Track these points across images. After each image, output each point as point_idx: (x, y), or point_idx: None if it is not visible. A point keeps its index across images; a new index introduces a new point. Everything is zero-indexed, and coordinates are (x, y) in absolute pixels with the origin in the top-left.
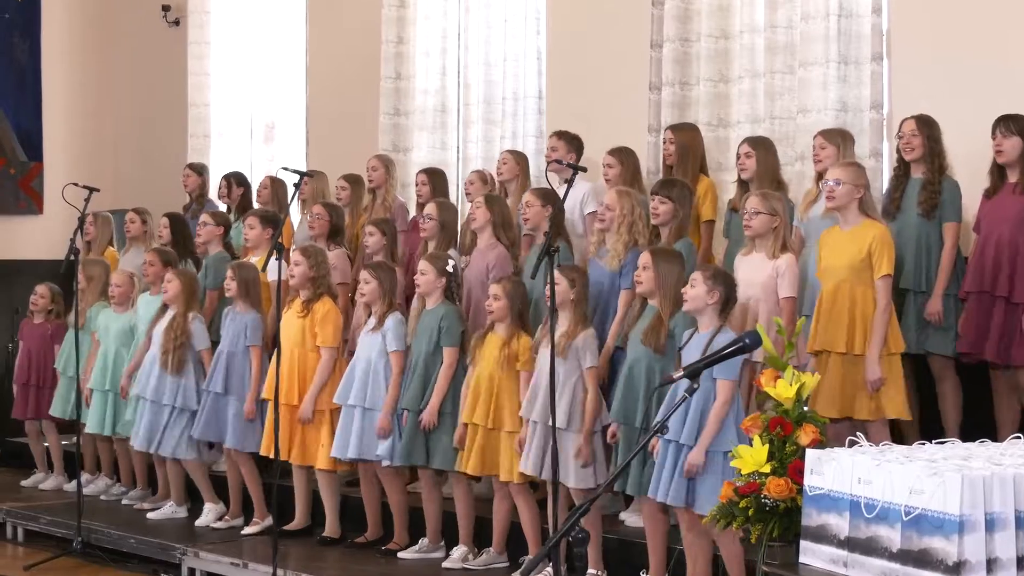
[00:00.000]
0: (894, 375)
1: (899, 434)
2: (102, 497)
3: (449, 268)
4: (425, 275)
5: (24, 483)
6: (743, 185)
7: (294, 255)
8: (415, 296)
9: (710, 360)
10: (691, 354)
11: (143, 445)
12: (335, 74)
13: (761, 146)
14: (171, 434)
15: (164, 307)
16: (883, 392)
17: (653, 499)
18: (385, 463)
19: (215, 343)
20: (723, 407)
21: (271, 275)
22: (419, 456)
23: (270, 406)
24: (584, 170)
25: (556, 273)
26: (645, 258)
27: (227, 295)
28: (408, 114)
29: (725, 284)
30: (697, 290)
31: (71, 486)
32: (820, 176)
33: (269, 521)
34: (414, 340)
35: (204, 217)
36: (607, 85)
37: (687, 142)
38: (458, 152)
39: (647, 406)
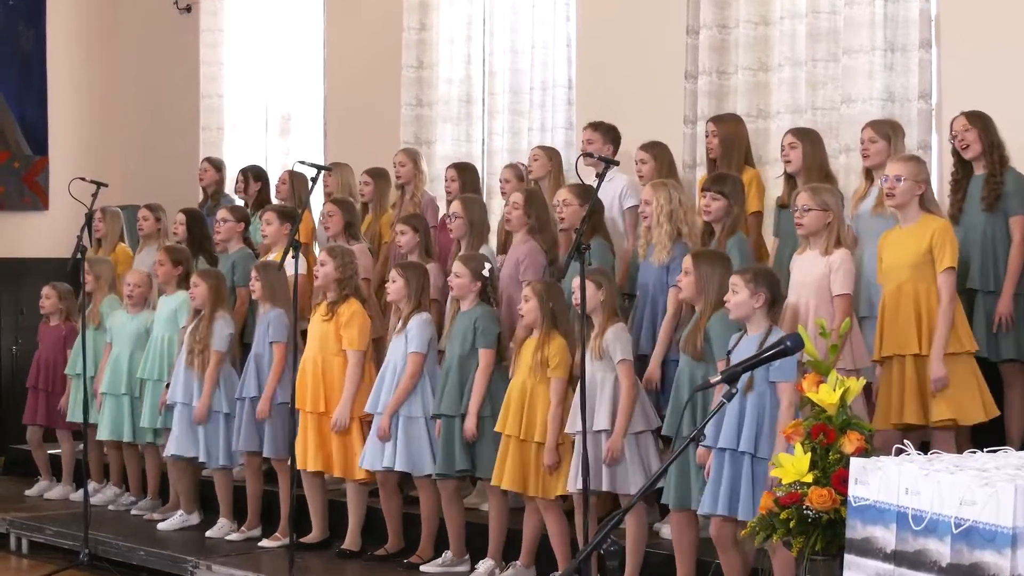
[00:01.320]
0: (966, 376)
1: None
2: (110, 507)
3: (484, 272)
4: (459, 278)
5: (28, 492)
6: (790, 180)
7: (320, 255)
8: (450, 298)
9: (748, 364)
10: (742, 358)
11: (180, 451)
12: (354, 62)
13: (807, 137)
14: (212, 442)
15: (197, 311)
16: (954, 395)
17: (687, 511)
18: (420, 473)
19: (247, 345)
20: (790, 409)
21: (289, 272)
22: (462, 463)
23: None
24: (617, 163)
25: (586, 278)
26: (687, 262)
27: (253, 297)
28: (431, 105)
29: (768, 283)
30: (740, 296)
31: (78, 495)
32: (869, 172)
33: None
34: (448, 343)
35: (223, 213)
36: (640, 74)
37: (730, 133)
38: (483, 144)
39: (685, 415)
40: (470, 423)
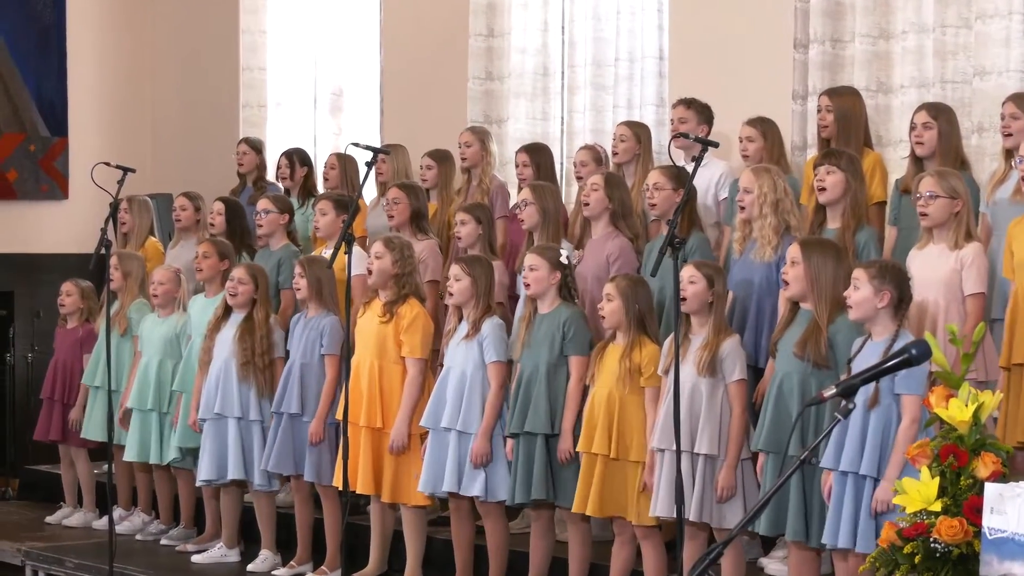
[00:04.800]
0: None
1: None
2: (138, 536)
3: (563, 259)
4: (535, 271)
5: (49, 519)
6: (917, 162)
7: (375, 247)
8: (521, 299)
9: (868, 375)
10: (864, 366)
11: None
12: (415, 30)
13: (943, 115)
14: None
15: (227, 311)
16: None
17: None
18: (487, 498)
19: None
20: (912, 427)
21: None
22: (540, 490)
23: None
24: (716, 145)
25: (691, 270)
26: (793, 251)
27: (297, 296)
28: (502, 78)
29: (895, 281)
30: (862, 292)
31: (101, 523)
32: (1009, 153)
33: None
34: (525, 351)
35: (264, 203)
36: (743, 43)
37: (847, 109)
38: (562, 123)
39: (798, 430)
40: (566, 443)
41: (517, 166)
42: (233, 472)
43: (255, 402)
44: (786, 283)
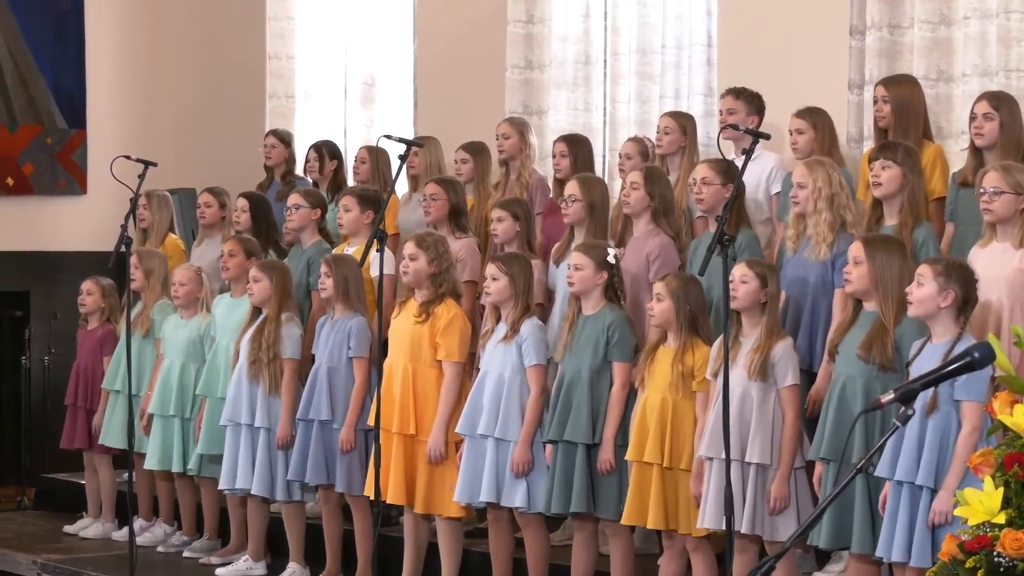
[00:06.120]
0: None
1: None
2: (159, 548)
3: (610, 258)
4: (581, 269)
5: (68, 529)
6: (976, 155)
7: (407, 248)
8: (561, 298)
9: (928, 379)
10: (924, 370)
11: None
12: (450, 17)
13: (1005, 105)
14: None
15: (256, 311)
16: None
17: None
18: (529, 509)
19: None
20: (973, 435)
21: (373, 270)
22: (580, 502)
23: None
24: (767, 137)
25: (743, 269)
26: (856, 249)
27: (322, 296)
28: (542, 67)
29: (961, 280)
30: (926, 290)
31: (121, 534)
32: None
33: None
34: (567, 354)
35: (295, 198)
36: (796, 29)
37: (905, 99)
38: (605, 115)
39: (860, 437)
40: (608, 453)
41: (554, 156)
42: (241, 482)
43: (263, 404)
44: (849, 281)
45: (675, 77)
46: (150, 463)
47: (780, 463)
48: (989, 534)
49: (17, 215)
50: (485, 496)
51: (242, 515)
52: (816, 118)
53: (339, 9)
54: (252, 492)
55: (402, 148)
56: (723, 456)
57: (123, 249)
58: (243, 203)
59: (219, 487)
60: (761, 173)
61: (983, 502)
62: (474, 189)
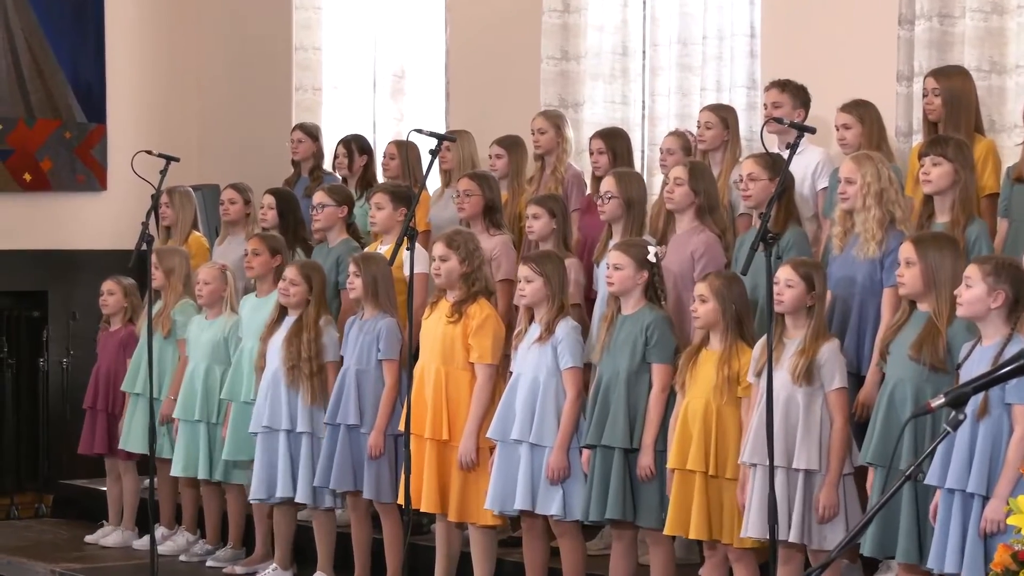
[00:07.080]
0: None
1: None
2: (181, 557)
3: (650, 257)
4: (620, 269)
5: (88, 538)
6: None
7: (436, 249)
8: (600, 298)
9: (979, 383)
10: (974, 373)
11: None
12: (483, 7)
13: None
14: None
15: (282, 311)
16: None
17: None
18: (565, 517)
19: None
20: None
21: (405, 268)
22: (615, 509)
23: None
24: (813, 131)
25: (788, 272)
26: (907, 250)
27: (351, 296)
28: (579, 59)
29: (1012, 280)
30: (975, 291)
31: (142, 542)
32: None
33: None
34: (605, 355)
35: (321, 196)
36: (842, 19)
37: (956, 91)
38: (643, 108)
39: (909, 442)
40: (647, 459)
41: (591, 153)
42: (282, 490)
43: (304, 411)
44: (902, 283)
45: (716, 69)
46: (175, 470)
47: (828, 470)
48: None
49: (35, 212)
50: (520, 504)
51: (268, 523)
52: (863, 112)
53: None
54: (296, 500)
55: (433, 142)
56: (767, 462)
57: (144, 247)
58: (269, 199)
59: (251, 497)
60: (806, 168)
61: None
62: (508, 185)
